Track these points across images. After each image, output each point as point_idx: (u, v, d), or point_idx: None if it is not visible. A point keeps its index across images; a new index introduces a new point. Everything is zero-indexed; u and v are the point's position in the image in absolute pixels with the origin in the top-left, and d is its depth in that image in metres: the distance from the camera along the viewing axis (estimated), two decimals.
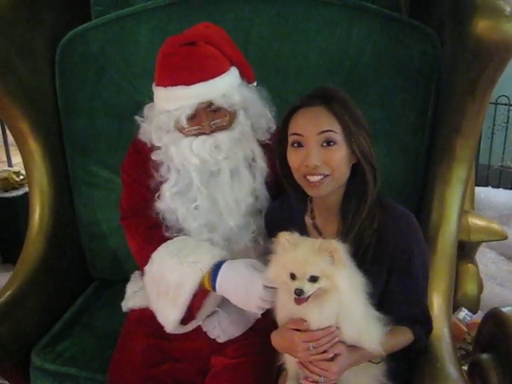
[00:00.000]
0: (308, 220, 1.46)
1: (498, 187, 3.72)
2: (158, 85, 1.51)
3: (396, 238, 1.35)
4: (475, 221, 2.27)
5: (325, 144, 1.29)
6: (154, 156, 1.57)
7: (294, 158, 1.33)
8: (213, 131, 1.49)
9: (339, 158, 1.30)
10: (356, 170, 1.36)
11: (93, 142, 2.03)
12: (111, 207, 2.04)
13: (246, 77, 1.56)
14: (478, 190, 3.26)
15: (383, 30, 1.87)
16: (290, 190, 1.43)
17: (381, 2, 1.93)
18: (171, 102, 1.48)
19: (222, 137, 1.49)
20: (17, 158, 3.89)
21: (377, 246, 1.35)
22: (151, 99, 1.94)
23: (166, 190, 1.54)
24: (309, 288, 1.21)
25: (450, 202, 1.75)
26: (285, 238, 1.26)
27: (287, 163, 1.36)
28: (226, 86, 1.48)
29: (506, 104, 3.77)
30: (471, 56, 1.59)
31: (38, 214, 1.95)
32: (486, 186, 3.71)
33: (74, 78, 2.00)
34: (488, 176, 3.85)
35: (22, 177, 3.28)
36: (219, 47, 1.49)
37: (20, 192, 3.21)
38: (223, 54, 1.49)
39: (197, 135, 1.49)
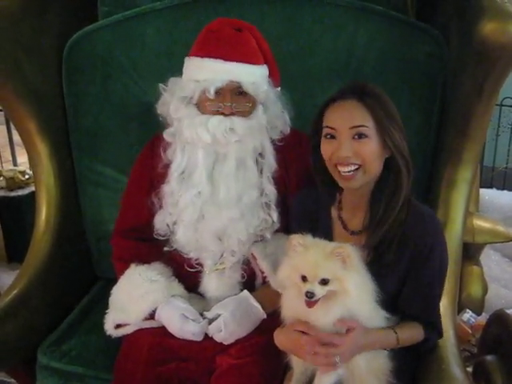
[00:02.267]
0: (334, 212, 1.49)
1: (502, 189, 3.72)
2: (193, 55, 1.56)
3: (418, 235, 1.37)
4: (480, 222, 2.26)
5: (356, 137, 1.33)
6: (166, 135, 1.60)
7: (326, 148, 1.38)
8: (231, 114, 1.52)
9: (370, 151, 1.33)
10: (388, 165, 1.38)
11: (99, 142, 2.04)
12: (117, 207, 2.04)
13: (273, 79, 1.61)
14: (483, 191, 3.26)
15: (389, 31, 1.87)
16: (320, 182, 1.47)
17: (387, 3, 1.93)
18: (204, 72, 1.52)
19: (238, 121, 1.53)
20: (22, 158, 3.92)
21: (399, 241, 1.37)
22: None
23: (174, 171, 1.59)
24: (319, 291, 1.22)
25: (455, 203, 1.75)
26: (297, 241, 1.27)
27: (320, 154, 1.41)
28: (258, 76, 1.55)
29: (510, 106, 3.76)
30: (477, 58, 1.59)
31: (44, 213, 1.96)
32: (491, 187, 3.70)
33: (80, 79, 2.01)
34: (492, 178, 3.84)
35: (27, 176, 3.29)
36: (259, 43, 1.58)
37: (26, 191, 3.22)
38: (261, 50, 1.57)
39: (214, 114, 1.53)
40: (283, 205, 1.63)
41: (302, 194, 1.55)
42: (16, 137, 3.39)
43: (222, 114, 1.52)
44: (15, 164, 3.90)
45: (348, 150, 1.33)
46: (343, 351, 1.27)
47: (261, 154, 1.60)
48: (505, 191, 3.67)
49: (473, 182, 1.80)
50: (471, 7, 1.62)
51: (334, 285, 1.23)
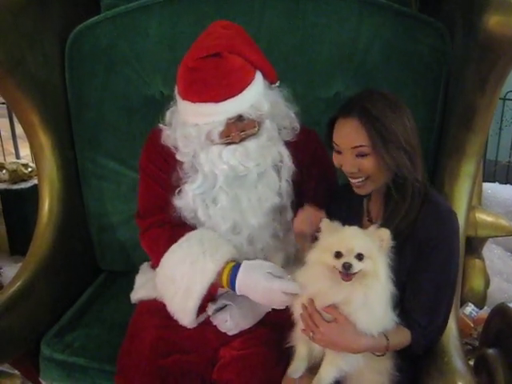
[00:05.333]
0: (365, 203, 1.52)
1: (505, 183, 3.71)
2: (184, 99, 1.49)
3: (426, 230, 1.38)
4: (483, 216, 2.26)
5: (358, 155, 1.37)
6: (179, 156, 1.57)
7: (335, 161, 1.44)
8: (242, 140, 1.50)
9: (373, 167, 1.37)
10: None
11: (102, 135, 2.04)
12: (120, 199, 2.05)
13: (269, 78, 1.54)
14: (485, 185, 3.25)
15: (393, 24, 1.87)
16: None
17: None
18: (200, 117, 1.47)
19: (251, 145, 1.50)
20: (25, 150, 3.92)
21: (408, 236, 1.39)
22: (161, 93, 1.97)
23: (189, 191, 1.56)
24: (356, 264, 1.25)
25: (459, 197, 1.75)
26: (326, 224, 1.33)
27: None
28: (254, 97, 1.47)
29: None
30: (482, 51, 1.58)
31: (47, 206, 1.96)
32: (493, 181, 3.69)
33: (83, 71, 2.01)
34: (495, 172, 3.83)
35: (30, 169, 3.30)
36: (243, 55, 1.45)
37: (28, 184, 3.24)
38: (247, 61, 1.46)
39: (226, 144, 1.50)
40: (296, 203, 1.61)
41: (338, 189, 1.58)
42: (19, 129, 3.40)
43: (233, 142, 1.50)
44: (18, 157, 3.90)
45: (352, 167, 1.39)
46: (317, 333, 1.32)
47: (280, 160, 1.58)
48: (507, 185, 3.66)
49: (476, 175, 1.80)
50: (476, 0, 1.61)
51: (367, 263, 1.26)
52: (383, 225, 1.40)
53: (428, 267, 1.38)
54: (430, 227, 1.37)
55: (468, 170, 1.75)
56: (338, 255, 1.26)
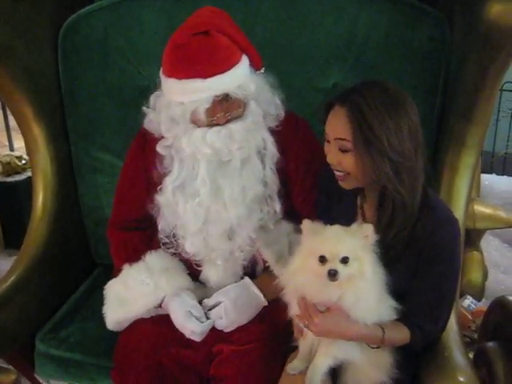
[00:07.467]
0: (359, 200, 1.47)
1: (502, 174, 3.71)
2: (170, 76, 1.47)
3: (428, 238, 1.34)
4: (481, 208, 2.25)
5: (340, 149, 1.33)
6: (159, 147, 1.55)
7: (325, 148, 1.39)
8: (227, 122, 1.48)
9: (352, 164, 1.32)
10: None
11: (96, 127, 2.01)
12: (115, 192, 2.03)
13: (254, 64, 1.53)
14: (483, 177, 3.23)
15: (392, 13, 1.84)
16: None
17: None
18: (186, 95, 1.45)
19: (235, 127, 1.48)
20: (18, 143, 3.88)
21: (408, 243, 1.35)
22: (156, 84, 1.93)
23: (169, 184, 1.54)
24: (342, 269, 1.22)
25: (458, 189, 1.74)
26: (308, 227, 1.29)
27: None
28: (241, 77, 1.47)
29: (511, 91, 3.72)
30: (483, 41, 1.56)
31: (41, 199, 1.94)
32: (491, 173, 3.69)
33: (77, 62, 1.98)
34: (492, 163, 3.82)
35: (24, 161, 3.27)
36: (231, 36, 1.45)
37: (22, 177, 3.21)
38: (235, 43, 1.46)
39: (210, 126, 1.48)
40: (284, 193, 1.60)
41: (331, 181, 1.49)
42: (12, 122, 3.36)
43: (218, 124, 1.48)
44: (12, 149, 3.87)
45: (333, 159, 1.35)
46: (312, 323, 1.30)
47: (264, 147, 1.56)
48: (504, 176, 3.66)
49: (476, 167, 1.78)
50: None
51: (353, 266, 1.23)
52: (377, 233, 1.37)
53: (429, 275, 1.35)
54: (430, 235, 1.33)
55: (468, 161, 1.73)
56: (323, 260, 1.23)
